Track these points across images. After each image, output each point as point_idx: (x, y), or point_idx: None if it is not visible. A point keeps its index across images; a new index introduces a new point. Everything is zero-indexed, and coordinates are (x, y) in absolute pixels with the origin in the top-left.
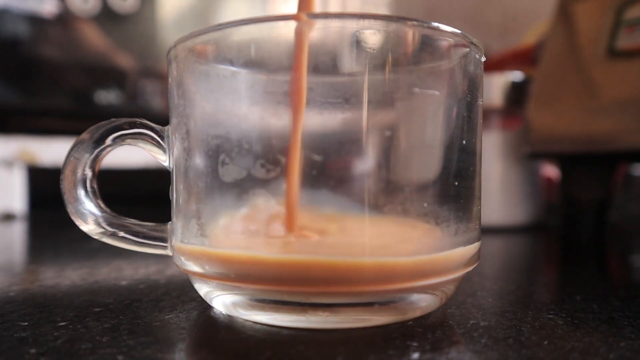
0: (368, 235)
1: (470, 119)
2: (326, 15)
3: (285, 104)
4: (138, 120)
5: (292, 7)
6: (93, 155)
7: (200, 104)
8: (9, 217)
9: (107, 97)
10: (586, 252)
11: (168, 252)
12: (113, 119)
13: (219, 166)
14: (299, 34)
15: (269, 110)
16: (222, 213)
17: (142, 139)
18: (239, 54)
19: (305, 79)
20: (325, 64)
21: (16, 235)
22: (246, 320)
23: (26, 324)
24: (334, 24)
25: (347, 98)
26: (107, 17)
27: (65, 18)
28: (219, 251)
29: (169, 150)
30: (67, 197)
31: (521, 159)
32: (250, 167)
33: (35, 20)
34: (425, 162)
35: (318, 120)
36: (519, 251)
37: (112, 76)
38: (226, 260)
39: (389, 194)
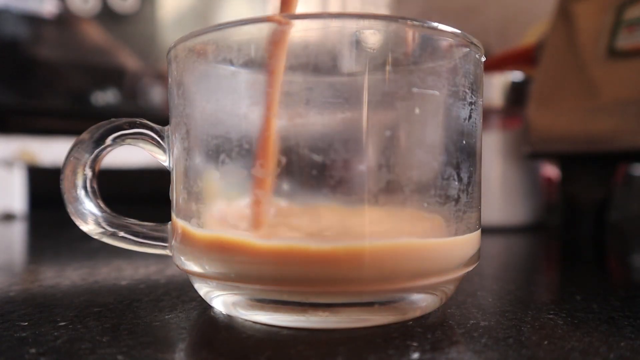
0: (368, 235)
1: (470, 119)
2: (326, 15)
3: (286, 104)
4: (138, 120)
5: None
6: (93, 155)
7: (200, 104)
8: (9, 217)
9: (106, 97)
10: (586, 252)
11: (168, 252)
12: (113, 119)
13: (219, 166)
14: (277, 36)
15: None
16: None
17: (142, 139)
18: (239, 54)
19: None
20: (325, 64)
21: (16, 235)
22: (246, 320)
23: (26, 324)
24: (334, 24)
25: (347, 98)
26: (107, 17)
27: (65, 18)
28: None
29: (169, 150)
30: (67, 197)
31: (521, 159)
32: (250, 167)
33: (35, 20)
34: (425, 162)
35: (318, 120)
36: (519, 251)
37: (112, 76)
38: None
39: (388, 194)
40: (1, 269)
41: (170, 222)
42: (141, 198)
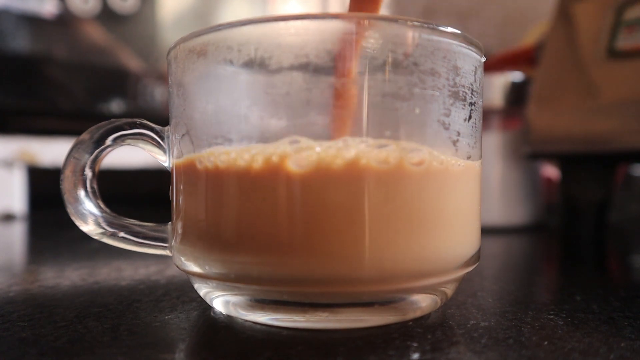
0: (368, 237)
1: (470, 119)
2: (326, 16)
3: (285, 105)
4: (138, 120)
5: (291, 8)
6: (93, 156)
7: (200, 104)
8: (9, 217)
9: (107, 97)
10: (586, 252)
11: (168, 252)
12: (113, 119)
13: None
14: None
15: (269, 110)
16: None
17: (142, 139)
18: (239, 54)
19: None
20: (325, 64)
21: (16, 235)
22: (246, 321)
23: (26, 324)
24: (334, 24)
25: (347, 98)
26: (107, 17)
27: (65, 18)
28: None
29: (169, 150)
30: (67, 198)
31: (521, 159)
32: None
33: (35, 21)
34: (424, 162)
35: (318, 120)
36: (519, 251)
37: (112, 76)
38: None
39: (388, 195)
40: (1, 269)
41: (170, 223)
42: (141, 198)
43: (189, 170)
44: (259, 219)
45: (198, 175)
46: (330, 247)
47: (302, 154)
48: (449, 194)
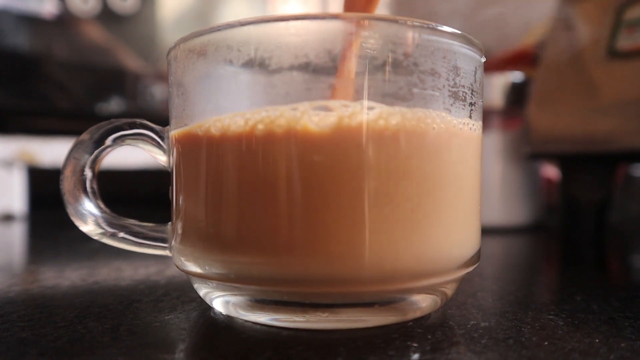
0: (368, 236)
1: (470, 119)
2: (326, 16)
3: (284, 105)
4: (138, 120)
5: (291, 8)
6: (93, 156)
7: (200, 104)
8: (9, 217)
9: (106, 97)
10: (586, 253)
11: (168, 252)
12: (113, 120)
13: None
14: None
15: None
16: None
17: (142, 140)
18: (239, 54)
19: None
20: (325, 64)
21: (16, 235)
22: (246, 321)
23: (26, 324)
24: (334, 24)
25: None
26: (107, 17)
27: (65, 19)
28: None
29: (168, 150)
30: (67, 198)
31: (521, 159)
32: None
33: (35, 21)
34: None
35: (317, 120)
36: (519, 251)
37: (112, 76)
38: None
39: (388, 199)
40: (1, 269)
41: (170, 223)
42: (141, 198)
43: (188, 141)
44: (259, 206)
45: (199, 143)
46: (330, 247)
47: (305, 116)
48: (450, 191)
